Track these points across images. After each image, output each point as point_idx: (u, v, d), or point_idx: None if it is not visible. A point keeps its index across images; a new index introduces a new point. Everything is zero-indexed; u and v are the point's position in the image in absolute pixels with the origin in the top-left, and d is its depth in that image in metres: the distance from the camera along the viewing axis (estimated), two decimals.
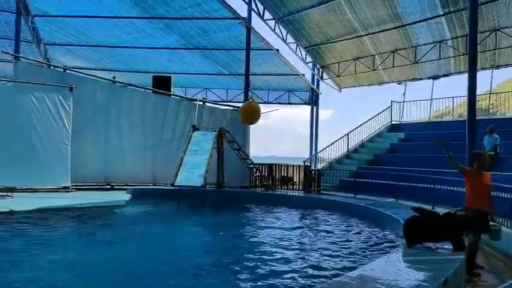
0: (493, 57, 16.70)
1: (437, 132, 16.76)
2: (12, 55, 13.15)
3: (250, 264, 5.72)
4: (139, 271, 5.29)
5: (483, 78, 17.71)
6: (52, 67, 14.78)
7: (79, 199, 10.75)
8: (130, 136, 14.02)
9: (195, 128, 14.14)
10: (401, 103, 19.91)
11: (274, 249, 6.95)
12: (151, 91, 15.37)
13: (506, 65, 17.02)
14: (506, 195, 7.41)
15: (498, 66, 17.16)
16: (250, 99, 15.68)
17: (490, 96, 17.98)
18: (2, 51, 13.08)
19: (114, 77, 14.81)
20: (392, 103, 19.73)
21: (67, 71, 13.44)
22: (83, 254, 6.24)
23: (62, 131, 12.00)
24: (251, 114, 14.72)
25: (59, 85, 12.04)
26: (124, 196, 11.85)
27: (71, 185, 12.00)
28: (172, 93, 15.97)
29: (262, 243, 7.51)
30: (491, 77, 17.65)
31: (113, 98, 13.78)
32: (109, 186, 13.24)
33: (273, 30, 18.79)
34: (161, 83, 15.76)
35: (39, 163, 11.44)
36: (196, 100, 16.01)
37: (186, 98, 17.23)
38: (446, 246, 5.21)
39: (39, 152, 11.58)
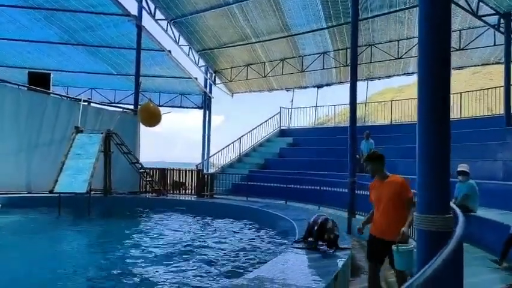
0: (368, 70, 18.46)
1: (322, 137, 17.98)
2: None
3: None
4: None
5: (359, 89, 19.38)
6: None
7: None
8: (0, 138, 12.40)
9: (78, 130, 13.03)
10: (289, 109, 20.96)
11: (167, 253, 6.71)
12: (26, 88, 13.80)
13: (379, 78, 18.95)
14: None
15: (372, 79, 19.01)
16: (149, 100, 15.06)
17: (365, 105, 19.83)
18: None
19: None
20: (281, 109, 20.67)
21: None
22: None
23: None
24: (153, 116, 14.26)
25: None
26: None
27: None
28: (51, 91, 14.55)
29: (150, 252, 7.11)
30: (367, 88, 19.51)
31: None
32: None
33: (165, 31, 18.30)
34: (39, 80, 14.33)
35: None
36: (79, 100, 14.78)
37: (68, 97, 15.80)
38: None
39: None
